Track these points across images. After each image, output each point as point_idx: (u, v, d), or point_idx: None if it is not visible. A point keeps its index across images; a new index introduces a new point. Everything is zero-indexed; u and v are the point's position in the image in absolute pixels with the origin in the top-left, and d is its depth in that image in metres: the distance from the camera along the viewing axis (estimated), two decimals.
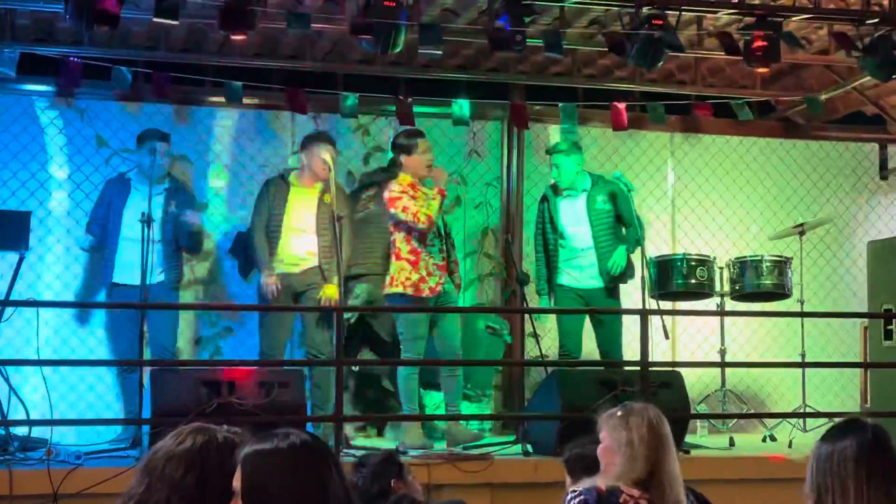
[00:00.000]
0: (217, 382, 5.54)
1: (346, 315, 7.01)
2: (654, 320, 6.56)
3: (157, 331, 6.80)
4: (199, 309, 7.78)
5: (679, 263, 7.47)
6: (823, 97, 8.42)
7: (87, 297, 7.52)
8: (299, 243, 6.84)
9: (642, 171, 8.67)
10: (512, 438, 6.74)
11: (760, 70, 7.43)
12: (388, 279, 6.69)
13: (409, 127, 7.30)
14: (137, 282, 6.42)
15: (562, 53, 6.99)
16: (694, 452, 6.38)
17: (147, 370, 6.01)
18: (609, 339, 7.11)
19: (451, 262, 6.91)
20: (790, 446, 6.89)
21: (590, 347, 7.31)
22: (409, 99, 7.83)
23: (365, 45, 6.46)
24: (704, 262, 7.51)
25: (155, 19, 6.27)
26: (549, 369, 6.78)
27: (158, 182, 6.70)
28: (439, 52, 6.85)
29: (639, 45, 6.61)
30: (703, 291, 7.56)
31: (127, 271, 6.69)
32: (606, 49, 7.12)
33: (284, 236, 6.83)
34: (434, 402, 7.43)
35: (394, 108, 7.77)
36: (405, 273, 6.61)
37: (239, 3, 6.15)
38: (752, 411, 7.99)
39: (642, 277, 6.80)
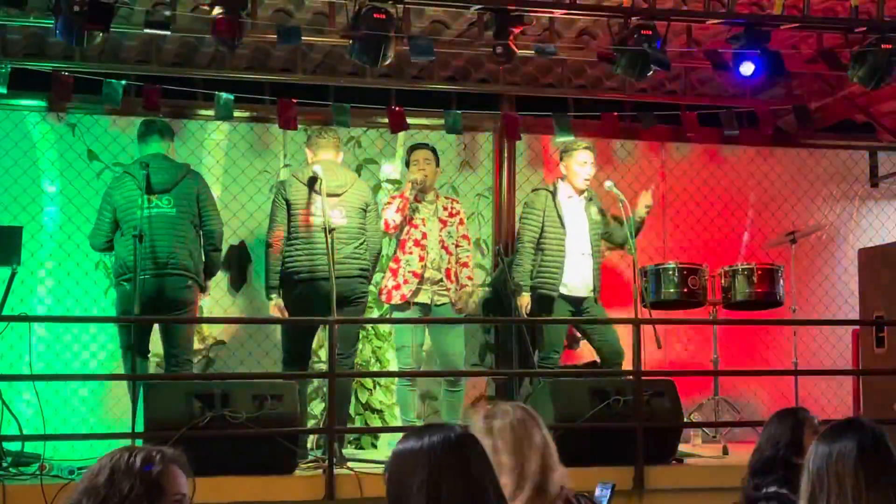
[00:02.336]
0: (210, 395, 5.54)
1: None
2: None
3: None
4: (194, 323, 7.73)
5: (671, 272, 7.47)
6: (813, 105, 8.46)
7: None
8: None
9: (634, 180, 8.67)
10: None
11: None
12: None
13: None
14: None
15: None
16: (688, 461, 6.39)
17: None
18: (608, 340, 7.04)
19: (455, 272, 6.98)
20: None
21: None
22: (401, 109, 7.83)
23: (355, 57, 6.46)
24: (696, 271, 7.52)
25: (146, 30, 6.27)
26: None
27: None
28: (431, 57, 6.87)
29: (627, 55, 6.64)
30: (696, 300, 7.57)
31: None
32: (596, 59, 7.13)
33: None
34: None
35: (385, 120, 7.78)
36: (385, 279, 6.87)
37: (231, 12, 6.16)
38: (746, 419, 7.98)
39: (635, 287, 6.81)
